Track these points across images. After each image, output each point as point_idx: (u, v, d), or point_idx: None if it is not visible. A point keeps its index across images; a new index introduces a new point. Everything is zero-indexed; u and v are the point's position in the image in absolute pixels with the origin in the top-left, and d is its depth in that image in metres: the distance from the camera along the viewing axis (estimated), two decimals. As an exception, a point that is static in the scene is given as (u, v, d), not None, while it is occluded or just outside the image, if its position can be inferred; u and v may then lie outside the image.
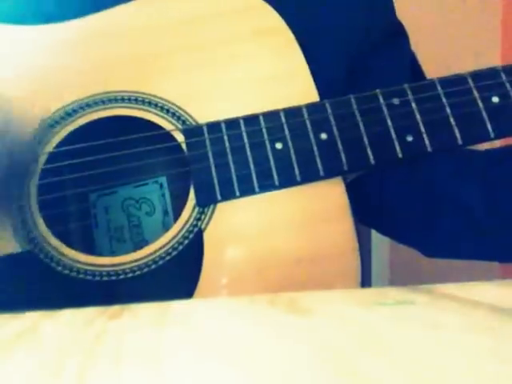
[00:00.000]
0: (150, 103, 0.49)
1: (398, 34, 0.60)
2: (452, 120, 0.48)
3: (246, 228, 0.47)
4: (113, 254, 0.50)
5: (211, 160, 0.47)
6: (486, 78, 0.49)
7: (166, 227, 0.49)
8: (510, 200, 0.51)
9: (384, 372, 0.19)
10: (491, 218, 0.52)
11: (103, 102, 0.49)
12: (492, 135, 0.48)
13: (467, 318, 0.25)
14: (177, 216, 0.48)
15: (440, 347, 0.21)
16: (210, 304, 0.32)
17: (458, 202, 0.53)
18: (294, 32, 0.51)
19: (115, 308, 0.28)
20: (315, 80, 0.50)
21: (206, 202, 0.47)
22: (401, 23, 0.60)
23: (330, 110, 0.48)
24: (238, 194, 0.47)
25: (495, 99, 0.48)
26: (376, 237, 1.01)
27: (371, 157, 0.48)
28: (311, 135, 0.48)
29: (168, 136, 0.49)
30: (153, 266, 0.45)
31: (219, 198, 0.47)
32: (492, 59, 1.15)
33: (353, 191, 0.49)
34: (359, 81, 0.55)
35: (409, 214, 0.56)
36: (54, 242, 0.46)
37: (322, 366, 0.20)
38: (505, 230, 0.52)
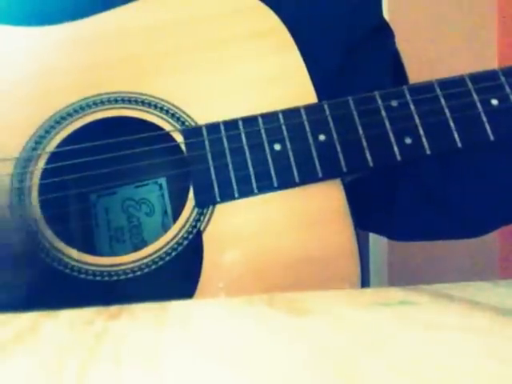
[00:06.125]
0: (149, 104, 0.49)
1: (383, 29, 0.60)
2: (451, 122, 0.48)
3: (245, 229, 0.47)
4: (112, 254, 0.50)
5: (210, 161, 0.47)
6: (485, 80, 0.49)
7: (166, 228, 0.49)
8: (465, 173, 0.52)
9: (384, 372, 0.19)
10: (448, 190, 0.52)
11: (103, 103, 0.49)
12: (491, 138, 0.48)
13: (467, 318, 0.25)
14: (176, 216, 0.47)
15: (440, 347, 0.21)
16: (209, 304, 0.32)
17: (415, 176, 0.53)
18: (289, 28, 0.51)
19: (115, 308, 0.28)
20: (310, 76, 0.50)
21: (205, 203, 0.47)
22: (386, 21, 0.60)
23: (328, 112, 0.48)
24: (236, 195, 0.47)
25: (494, 101, 0.48)
26: (374, 237, 1.01)
27: (370, 159, 0.47)
28: (309, 136, 0.48)
29: (167, 137, 0.49)
30: (152, 267, 0.45)
31: (218, 199, 0.47)
32: (490, 59, 1.15)
33: (350, 191, 0.49)
34: (346, 77, 0.55)
35: (370, 197, 0.56)
36: (56, 241, 0.46)
37: (321, 366, 0.20)
38: (463, 204, 0.53)
